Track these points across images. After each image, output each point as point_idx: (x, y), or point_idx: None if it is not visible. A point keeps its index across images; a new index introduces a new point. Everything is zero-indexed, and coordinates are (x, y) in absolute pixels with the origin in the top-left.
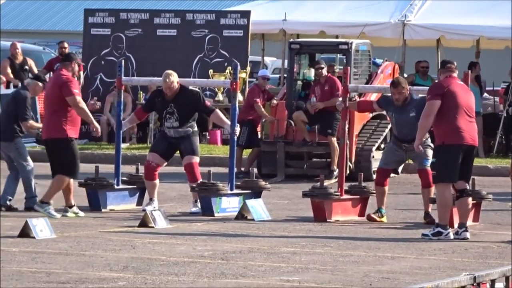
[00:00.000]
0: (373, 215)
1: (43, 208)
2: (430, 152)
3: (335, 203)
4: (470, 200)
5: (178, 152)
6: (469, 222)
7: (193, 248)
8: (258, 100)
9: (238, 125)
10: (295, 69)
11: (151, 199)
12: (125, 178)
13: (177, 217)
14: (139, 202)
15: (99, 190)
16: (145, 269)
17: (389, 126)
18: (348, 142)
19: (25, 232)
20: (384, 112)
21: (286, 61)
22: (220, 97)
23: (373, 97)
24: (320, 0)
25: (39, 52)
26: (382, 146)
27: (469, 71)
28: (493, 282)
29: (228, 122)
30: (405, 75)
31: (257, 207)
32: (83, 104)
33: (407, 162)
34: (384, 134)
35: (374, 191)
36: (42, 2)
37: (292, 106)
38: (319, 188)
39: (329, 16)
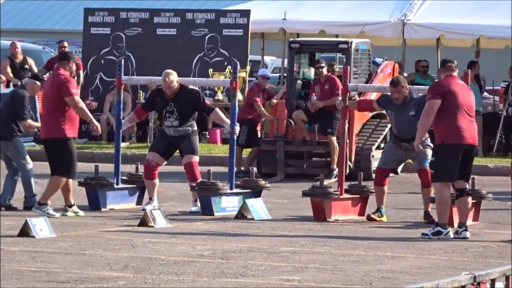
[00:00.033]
0: (372, 215)
1: (41, 209)
2: (429, 152)
3: (335, 203)
4: (470, 199)
5: (177, 151)
6: (469, 222)
7: (193, 247)
8: (258, 99)
9: (238, 124)
10: (295, 68)
11: (150, 198)
12: (124, 178)
13: (177, 217)
14: (139, 202)
15: (98, 190)
16: (145, 268)
17: (389, 126)
18: (348, 141)
19: (25, 232)
20: (384, 111)
21: (286, 60)
22: (220, 96)
23: (373, 96)
24: None
25: (39, 51)
26: (382, 145)
27: (469, 70)
28: (493, 281)
29: (228, 121)
30: (405, 75)
31: (257, 207)
32: (82, 104)
33: (407, 161)
34: (384, 133)
35: (374, 191)
36: (42, 1)
37: (292, 105)
38: (319, 188)
39: (329, 15)
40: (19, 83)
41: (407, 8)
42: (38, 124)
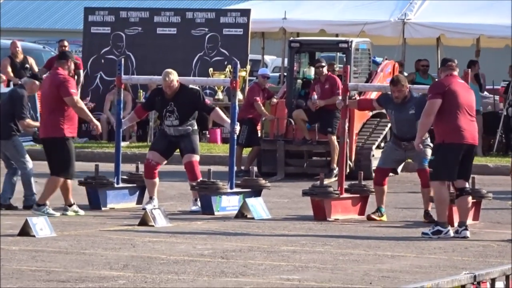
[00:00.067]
0: (372, 216)
1: (41, 210)
2: (429, 152)
3: (335, 202)
4: (470, 198)
5: (178, 150)
6: (469, 221)
7: (193, 246)
8: (258, 98)
9: (238, 123)
10: (295, 68)
11: (151, 198)
12: (125, 177)
13: (177, 216)
14: (139, 201)
15: (99, 189)
16: (145, 267)
17: (389, 125)
18: (348, 140)
19: (25, 231)
20: (384, 110)
21: (286, 60)
22: (220, 95)
23: (373, 95)
24: None
25: (39, 50)
26: (382, 144)
27: (469, 69)
28: (493, 281)
29: (228, 120)
30: (405, 74)
31: (257, 206)
32: (81, 104)
33: (407, 160)
34: (384, 132)
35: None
36: (42, 0)
37: (292, 104)
38: (319, 187)
39: (329, 14)
40: (20, 82)
41: (407, 8)
42: (37, 123)
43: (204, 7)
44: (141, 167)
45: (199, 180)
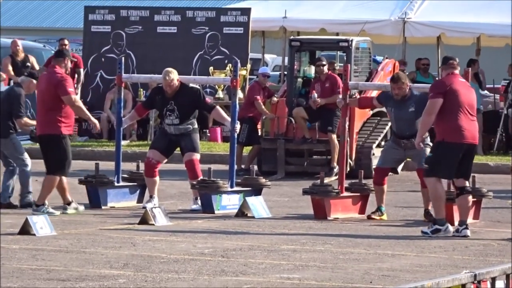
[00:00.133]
0: (373, 216)
1: (40, 210)
2: (429, 151)
3: (335, 201)
4: (470, 197)
5: (178, 149)
6: (470, 220)
7: (193, 245)
8: (258, 97)
9: (239, 122)
10: (295, 67)
11: (151, 196)
12: (125, 175)
13: (177, 215)
14: (140, 200)
15: (99, 187)
16: (145, 266)
17: (390, 124)
18: (348, 139)
19: (25, 230)
20: (384, 109)
21: (286, 59)
22: (220, 94)
23: (374, 94)
24: None
25: (40, 49)
26: (383, 143)
27: (469, 68)
28: (493, 280)
29: (229, 119)
30: (406, 73)
31: (257, 205)
32: (79, 103)
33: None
34: (385, 131)
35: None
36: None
37: (293, 103)
38: (320, 186)
39: (330, 13)
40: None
41: (407, 6)
42: (34, 122)
43: (205, 6)
44: (142, 166)
45: (199, 179)
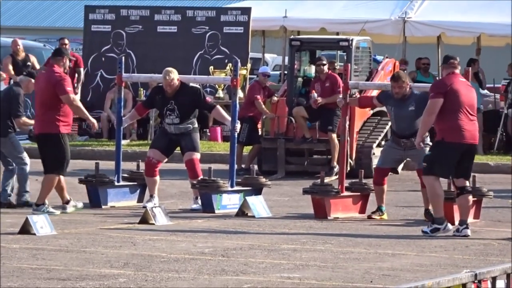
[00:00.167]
0: (373, 216)
1: (40, 210)
2: None
3: (335, 200)
4: (470, 197)
5: (178, 148)
6: (470, 219)
7: (193, 245)
8: (258, 96)
9: (239, 122)
10: (295, 66)
11: (151, 196)
12: (125, 175)
13: (177, 214)
14: (140, 199)
15: (99, 187)
16: (145, 266)
17: (390, 123)
18: (348, 139)
19: (26, 229)
20: (384, 108)
21: (286, 58)
22: (220, 94)
23: (374, 93)
24: None
25: (40, 48)
26: (383, 143)
27: (469, 68)
28: (494, 279)
29: (229, 118)
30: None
31: (258, 204)
32: (77, 102)
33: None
34: (385, 131)
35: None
36: None
37: (293, 103)
38: (320, 185)
39: (330, 13)
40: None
41: (407, 6)
42: (33, 121)
43: (205, 5)
44: (142, 165)
45: (199, 178)
